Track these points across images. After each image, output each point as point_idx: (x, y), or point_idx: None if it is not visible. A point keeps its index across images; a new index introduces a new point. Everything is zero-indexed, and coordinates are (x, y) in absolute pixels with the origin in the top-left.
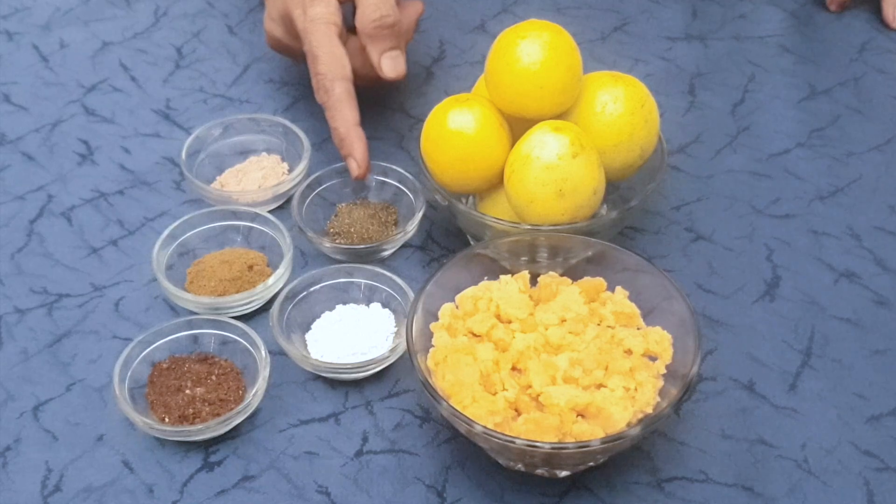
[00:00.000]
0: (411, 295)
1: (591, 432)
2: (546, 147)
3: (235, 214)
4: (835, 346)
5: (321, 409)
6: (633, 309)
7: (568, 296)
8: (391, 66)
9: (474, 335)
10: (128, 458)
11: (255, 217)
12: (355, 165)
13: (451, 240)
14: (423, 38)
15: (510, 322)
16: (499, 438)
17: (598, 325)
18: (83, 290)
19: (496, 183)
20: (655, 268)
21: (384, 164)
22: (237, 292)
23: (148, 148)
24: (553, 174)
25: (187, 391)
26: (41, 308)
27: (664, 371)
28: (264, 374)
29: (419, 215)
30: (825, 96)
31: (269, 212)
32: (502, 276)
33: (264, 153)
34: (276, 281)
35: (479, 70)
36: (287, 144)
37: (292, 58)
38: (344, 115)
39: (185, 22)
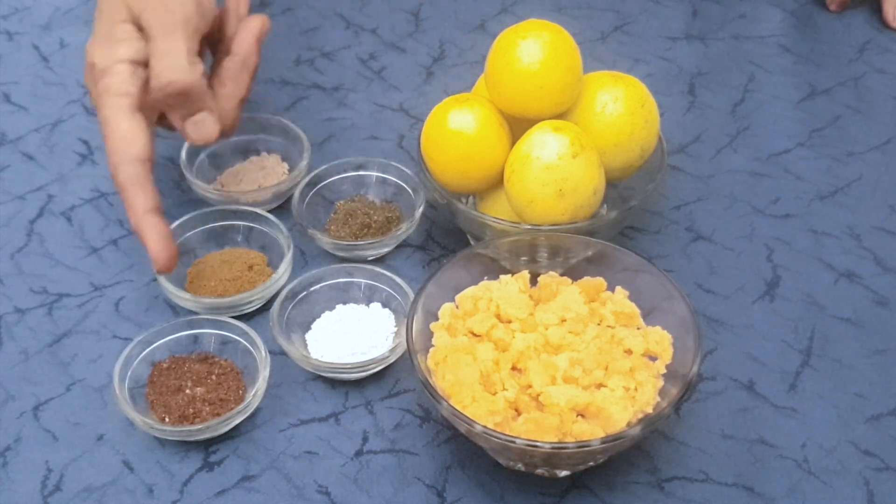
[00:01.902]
0: (411, 295)
1: (591, 432)
2: (546, 147)
3: (235, 214)
4: (835, 346)
5: (321, 409)
6: (633, 309)
7: (568, 296)
8: (195, 130)
9: (474, 335)
10: (128, 458)
11: (255, 217)
12: (152, 259)
13: (451, 240)
14: (423, 38)
15: (510, 322)
16: (499, 438)
17: (598, 325)
18: (83, 290)
19: (496, 183)
20: (655, 268)
21: (385, 161)
22: (237, 292)
23: None
24: (553, 174)
25: (187, 391)
26: (41, 308)
27: (664, 371)
28: (264, 374)
29: (419, 211)
30: (825, 96)
31: (269, 212)
32: (502, 276)
33: (264, 153)
34: (276, 281)
35: (479, 70)
36: (287, 144)
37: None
38: (133, 202)
39: None
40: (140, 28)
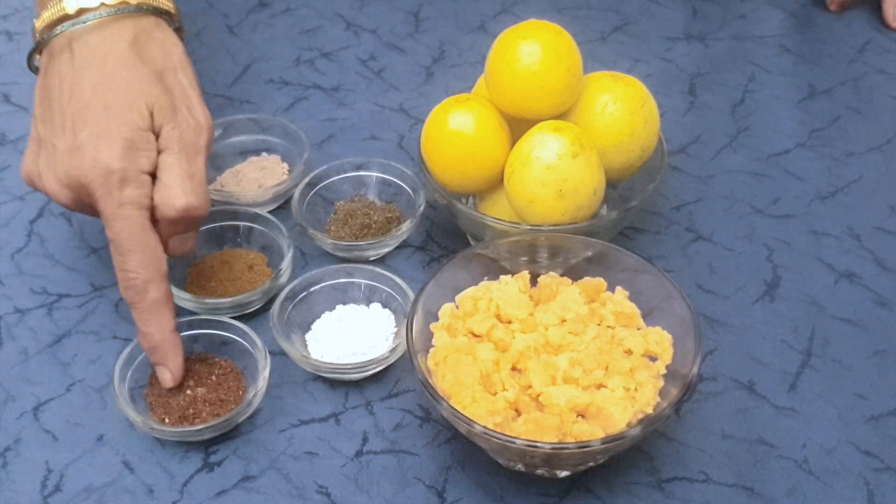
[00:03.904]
0: (411, 295)
1: (591, 432)
2: (546, 147)
3: (235, 214)
4: (835, 346)
5: (321, 409)
6: (633, 309)
7: (568, 296)
8: (178, 244)
9: (474, 335)
10: (128, 458)
11: (255, 217)
12: (169, 377)
13: (451, 240)
14: (423, 39)
15: (510, 322)
16: (499, 438)
17: (598, 325)
18: (83, 290)
19: (496, 183)
20: (655, 268)
21: (385, 161)
22: (237, 292)
23: None
24: (553, 174)
25: (187, 391)
26: (41, 308)
27: (664, 371)
28: (264, 374)
29: (419, 211)
30: (825, 96)
31: (269, 212)
32: (502, 276)
33: (264, 153)
34: (276, 281)
35: (479, 70)
36: (287, 144)
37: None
38: (159, 321)
39: (186, 22)
40: (157, 137)
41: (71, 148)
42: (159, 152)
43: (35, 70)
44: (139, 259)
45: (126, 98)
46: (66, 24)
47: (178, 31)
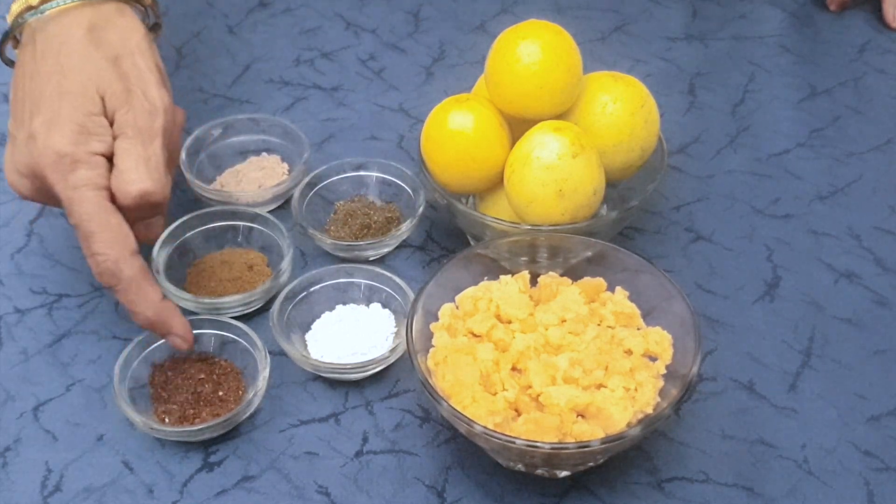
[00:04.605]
0: (411, 295)
1: (591, 432)
2: (546, 147)
3: (235, 214)
4: (835, 346)
5: (321, 409)
6: (633, 309)
7: (568, 296)
8: (144, 230)
9: (474, 335)
10: (128, 458)
11: (255, 217)
12: (180, 341)
13: (451, 240)
14: (423, 39)
15: (510, 322)
16: (499, 438)
17: (598, 325)
18: (83, 290)
19: (496, 183)
20: (655, 268)
21: (385, 161)
22: (237, 292)
23: None
24: (553, 174)
25: (187, 392)
26: (41, 308)
27: (664, 371)
28: (264, 374)
29: (419, 211)
30: (825, 96)
31: (269, 212)
32: (502, 276)
33: (264, 153)
34: (276, 281)
35: (479, 70)
36: (287, 144)
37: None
38: (144, 296)
39: (186, 22)
40: (111, 123)
41: (27, 137)
42: (115, 138)
43: (8, 62)
44: (104, 239)
45: (78, 84)
46: (28, 14)
47: (155, 26)
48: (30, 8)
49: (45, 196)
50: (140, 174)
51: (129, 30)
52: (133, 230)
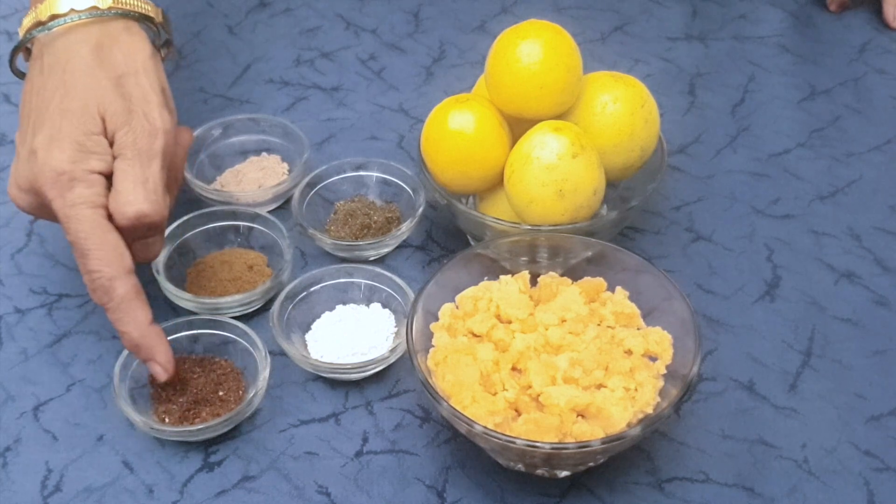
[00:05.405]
0: (411, 295)
1: (591, 432)
2: (546, 147)
3: (235, 214)
4: (835, 346)
5: (321, 410)
6: (633, 309)
7: (568, 296)
8: (143, 251)
9: (474, 335)
10: (128, 458)
11: (255, 217)
12: (160, 370)
13: (451, 240)
14: (423, 39)
15: (510, 322)
16: (499, 438)
17: (598, 325)
18: (83, 290)
19: (496, 183)
20: (655, 268)
21: (385, 161)
22: (237, 292)
23: None
24: (553, 174)
25: (187, 392)
26: (41, 308)
27: (664, 371)
28: (264, 374)
29: (419, 211)
30: (825, 96)
31: (269, 212)
32: (502, 276)
33: (264, 153)
34: (275, 281)
35: (479, 70)
36: (287, 144)
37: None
38: (134, 316)
39: (186, 22)
40: (111, 143)
41: (28, 153)
42: (114, 158)
43: (19, 74)
44: (100, 257)
45: (79, 103)
46: (36, 30)
47: (167, 43)
48: (39, 23)
49: (45, 212)
50: (137, 196)
51: (135, 49)
52: (131, 250)
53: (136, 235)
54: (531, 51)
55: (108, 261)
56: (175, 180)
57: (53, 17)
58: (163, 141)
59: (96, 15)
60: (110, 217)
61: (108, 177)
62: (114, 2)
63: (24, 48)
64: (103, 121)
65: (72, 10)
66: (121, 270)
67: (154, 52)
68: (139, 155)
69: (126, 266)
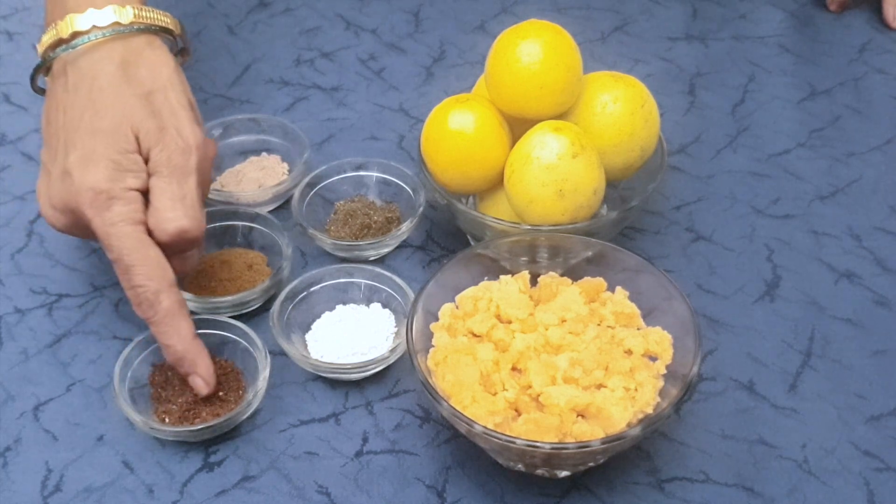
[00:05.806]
0: (411, 295)
1: (591, 432)
2: (546, 147)
3: (235, 214)
4: (835, 346)
5: (321, 410)
6: (633, 309)
7: (568, 296)
8: (179, 264)
9: (474, 335)
10: (128, 458)
11: (255, 217)
12: (202, 383)
13: (451, 240)
14: (423, 39)
15: (510, 322)
16: (499, 438)
17: (598, 325)
18: (83, 290)
19: (496, 183)
20: (655, 268)
21: (385, 161)
22: (237, 292)
23: None
24: (553, 174)
25: (187, 392)
26: (41, 308)
27: (664, 371)
28: (264, 374)
29: (420, 211)
30: (825, 96)
31: (269, 212)
32: (502, 276)
33: (264, 153)
34: (275, 281)
35: (479, 70)
36: (287, 144)
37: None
38: (178, 329)
39: (185, 22)
40: (146, 160)
41: (62, 173)
42: (149, 175)
43: (40, 91)
44: (143, 272)
45: (111, 122)
46: (59, 48)
47: (182, 51)
48: (61, 41)
49: (81, 230)
50: (177, 213)
51: (159, 64)
52: (172, 263)
53: (176, 250)
54: (531, 51)
55: (151, 275)
56: (203, 193)
57: (76, 34)
58: (196, 157)
59: (119, 31)
60: (149, 232)
61: (144, 193)
62: (135, 17)
63: (44, 67)
64: (137, 139)
65: (94, 27)
66: (164, 284)
67: (177, 66)
68: (175, 172)
69: (169, 279)
